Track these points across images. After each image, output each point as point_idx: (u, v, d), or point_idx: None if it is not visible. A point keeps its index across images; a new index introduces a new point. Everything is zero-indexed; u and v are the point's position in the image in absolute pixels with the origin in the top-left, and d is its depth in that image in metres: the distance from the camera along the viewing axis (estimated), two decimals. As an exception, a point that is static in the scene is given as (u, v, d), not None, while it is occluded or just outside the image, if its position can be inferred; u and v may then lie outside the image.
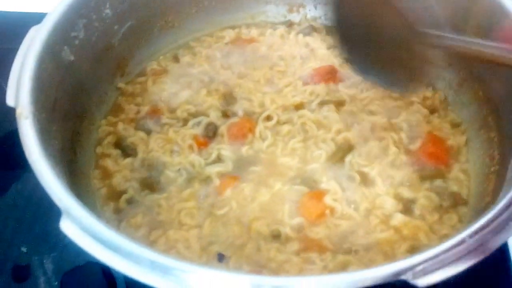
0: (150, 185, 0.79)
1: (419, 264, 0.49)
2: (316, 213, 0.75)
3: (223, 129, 0.84)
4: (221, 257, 0.71)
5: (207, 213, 0.75)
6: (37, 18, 0.76)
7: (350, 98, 0.89)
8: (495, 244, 0.52)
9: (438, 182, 0.79)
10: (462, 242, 0.52)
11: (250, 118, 0.86)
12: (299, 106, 0.88)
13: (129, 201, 0.78)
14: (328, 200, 0.76)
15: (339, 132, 0.85)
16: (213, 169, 0.80)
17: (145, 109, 0.89)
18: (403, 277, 0.49)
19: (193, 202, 0.76)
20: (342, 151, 0.82)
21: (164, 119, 0.87)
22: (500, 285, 0.80)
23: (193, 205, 0.76)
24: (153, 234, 0.74)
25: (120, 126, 0.87)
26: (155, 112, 0.88)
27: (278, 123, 0.85)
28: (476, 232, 0.53)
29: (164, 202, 0.77)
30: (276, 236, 0.73)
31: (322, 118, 0.86)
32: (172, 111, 0.88)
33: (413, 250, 0.70)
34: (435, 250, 0.51)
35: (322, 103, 0.88)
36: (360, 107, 0.89)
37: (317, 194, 0.76)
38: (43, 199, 0.58)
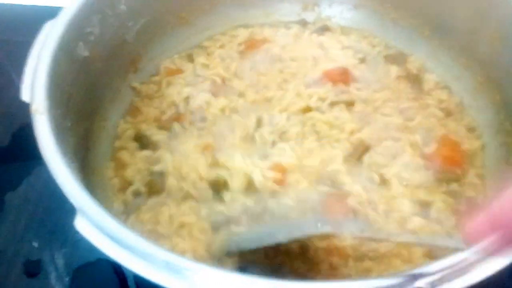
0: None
1: (437, 272, 0.49)
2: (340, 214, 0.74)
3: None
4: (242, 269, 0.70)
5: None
6: (50, 11, 0.75)
7: (362, 100, 0.88)
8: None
9: (454, 186, 0.78)
10: (481, 250, 0.51)
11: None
12: (307, 110, 0.86)
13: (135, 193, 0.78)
14: (351, 202, 0.75)
15: (352, 132, 0.84)
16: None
17: (165, 112, 0.88)
18: (420, 284, 0.48)
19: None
20: (360, 151, 0.81)
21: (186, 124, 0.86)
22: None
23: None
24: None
25: (142, 123, 0.87)
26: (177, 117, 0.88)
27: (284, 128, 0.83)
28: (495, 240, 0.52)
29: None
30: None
31: (333, 119, 0.85)
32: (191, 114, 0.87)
33: (430, 254, 0.69)
34: (454, 258, 0.50)
35: (332, 104, 0.87)
36: (372, 108, 0.88)
37: (341, 196, 0.75)
38: (55, 193, 0.58)
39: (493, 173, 0.80)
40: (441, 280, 0.48)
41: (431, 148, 0.82)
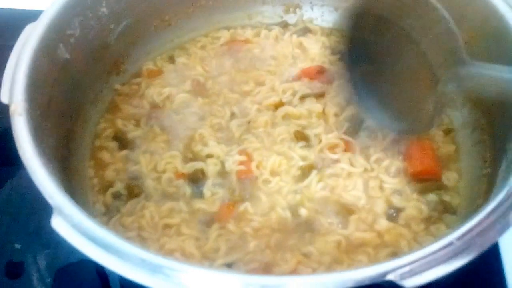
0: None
1: (407, 265, 0.50)
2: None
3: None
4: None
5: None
6: (33, 15, 0.76)
7: (334, 92, 0.90)
8: (482, 246, 0.53)
9: (431, 194, 0.79)
10: (449, 244, 0.52)
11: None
12: (279, 104, 0.89)
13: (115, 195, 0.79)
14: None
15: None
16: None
17: (144, 109, 0.90)
18: (390, 277, 0.49)
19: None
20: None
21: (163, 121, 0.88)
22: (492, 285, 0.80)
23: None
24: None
25: (120, 120, 0.88)
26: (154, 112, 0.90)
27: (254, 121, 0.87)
28: (464, 235, 0.53)
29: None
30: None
31: (304, 111, 0.88)
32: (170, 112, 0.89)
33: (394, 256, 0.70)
34: (423, 252, 0.51)
35: (303, 97, 0.90)
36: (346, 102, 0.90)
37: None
38: (37, 196, 0.59)
39: (469, 171, 0.81)
40: (410, 273, 0.49)
41: (408, 153, 0.83)
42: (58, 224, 0.54)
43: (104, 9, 0.85)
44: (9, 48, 0.72)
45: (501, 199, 0.56)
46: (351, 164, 0.82)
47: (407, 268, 0.49)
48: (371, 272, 0.50)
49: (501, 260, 0.80)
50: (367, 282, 0.49)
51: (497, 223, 0.54)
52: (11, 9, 1.16)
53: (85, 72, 0.85)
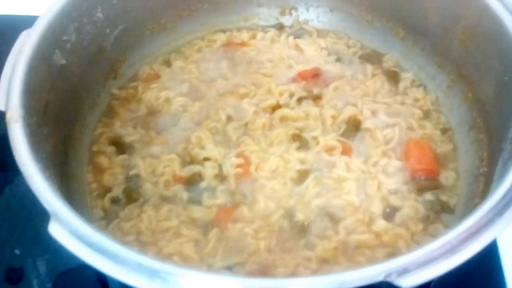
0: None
1: (403, 265, 0.50)
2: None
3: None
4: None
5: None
6: (28, 21, 0.76)
7: (331, 95, 0.91)
8: (479, 245, 0.53)
9: (428, 193, 0.79)
10: (446, 243, 0.52)
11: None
12: (276, 107, 0.89)
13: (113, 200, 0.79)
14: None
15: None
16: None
17: (141, 113, 0.90)
18: (387, 278, 0.49)
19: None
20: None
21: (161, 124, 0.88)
22: (491, 284, 0.80)
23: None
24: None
25: (117, 124, 0.89)
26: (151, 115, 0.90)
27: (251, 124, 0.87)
28: (460, 234, 0.53)
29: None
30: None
31: (301, 113, 0.89)
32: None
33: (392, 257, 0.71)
34: (419, 251, 0.51)
35: (300, 99, 0.90)
36: (343, 103, 0.90)
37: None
38: (36, 201, 0.59)
39: (466, 170, 0.82)
40: (407, 273, 0.50)
41: (406, 153, 0.83)
42: (55, 230, 0.55)
43: (99, 14, 0.85)
44: (4, 54, 0.72)
45: (497, 198, 0.56)
46: (348, 167, 0.82)
47: (403, 268, 0.50)
48: (368, 272, 0.50)
49: (500, 260, 0.80)
50: (364, 283, 0.49)
51: (494, 221, 0.54)
52: (4, 15, 1.16)
53: (82, 77, 0.85)
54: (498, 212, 0.55)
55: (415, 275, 0.50)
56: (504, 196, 0.56)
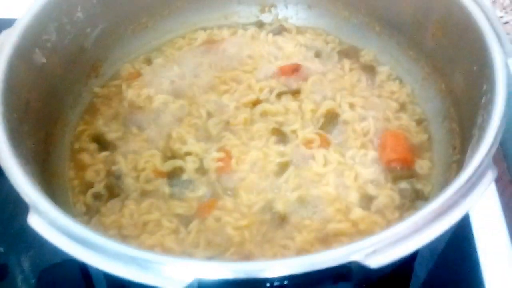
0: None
1: (371, 245, 0.52)
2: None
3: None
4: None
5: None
6: (7, 24, 0.77)
7: (310, 89, 0.93)
8: (443, 225, 0.55)
9: (403, 181, 0.81)
10: (412, 224, 0.54)
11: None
12: (257, 102, 0.91)
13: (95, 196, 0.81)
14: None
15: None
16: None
17: (123, 110, 0.92)
18: (355, 258, 0.51)
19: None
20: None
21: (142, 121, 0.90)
22: (465, 265, 0.82)
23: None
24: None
25: (99, 122, 0.90)
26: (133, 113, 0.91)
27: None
28: (426, 216, 0.55)
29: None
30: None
31: (280, 107, 0.90)
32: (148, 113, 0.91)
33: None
34: (387, 232, 0.53)
35: (280, 94, 0.92)
36: (322, 97, 0.92)
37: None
38: (19, 198, 0.60)
39: (440, 159, 0.84)
40: (375, 252, 0.51)
41: (382, 143, 0.86)
42: (34, 221, 0.56)
43: (79, 14, 0.87)
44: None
45: (461, 183, 0.58)
46: (326, 159, 0.84)
47: (371, 249, 0.51)
48: (337, 254, 0.51)
49: (474, 240, 0.82)
50: (333, 264, 0.51)
51: (459, 203, 0.56)
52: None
53: (63, 76, 0.86)
54: (462, 195, 0.57)
55: (383, 254, 0.52)
56: (468, 180, 0.58)
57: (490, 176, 0.58)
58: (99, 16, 0.91)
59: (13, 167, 0.60)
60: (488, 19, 0.74)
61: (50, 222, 0.56)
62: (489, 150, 0.61)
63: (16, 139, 0.67)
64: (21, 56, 0.75)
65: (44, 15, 0.80)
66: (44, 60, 0.80)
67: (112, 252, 0.54)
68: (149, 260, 0.53)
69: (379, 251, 0.52)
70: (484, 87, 0.70)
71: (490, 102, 0.66)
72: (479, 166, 0.59)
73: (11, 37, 0.75)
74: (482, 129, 0.65)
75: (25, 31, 0.77)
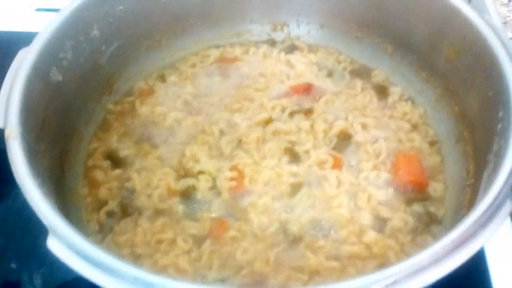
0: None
1: (391, 276, 0.52)
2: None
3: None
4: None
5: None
6: (25, 37, 0.78)
7: (322, 109, 0.93)
8: (465, 255, 0.55)
9: (416, 204, 0.81)
10: (433, 254, 0.54)
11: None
12: (269, 121, 0.92)
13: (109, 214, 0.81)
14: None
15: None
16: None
17: (136, 127, 0.92)
18: (376, 288, 0.51)
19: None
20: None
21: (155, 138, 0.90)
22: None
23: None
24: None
25: (113, 138, 0.90)
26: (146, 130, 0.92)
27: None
28: (447, 244, 0.55)
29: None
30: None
31: (293, 127, 0.91)
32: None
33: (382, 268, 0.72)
34: (406, 262, 0.53)
35: (292, 113, 0.92)
36: (334, 117, 0.92)
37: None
38: (33, 215, 0.60)
39: (454, 182, 0.84)
40: (395, 283, 0.51)
41: (395, 166, 0.86)
42: (53, 245, 0.56)
43: (95, 32, 0.87)
44: (1, 68, 0.74)
45: (481, 211, 0.58)
46: (339, 180, 0.84)
47: (391, 279, 0.51)
48: (357, 284, 0.51)
49: (488, 271, 0.82)
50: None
51: (478, 233, 0.56)
52: (4, 32, 1.17)
53: (78, 93, 0.87)
54: (482, 225, 0.57)
55: (403, 285, 0.51)
56: (487, 209, 0.58)
57: (509, 206, 0.58)
58: (114, 34, 0.91)
59: (33, 190, 0.60)
60: (504, 45, 0.74)
61: (69, 246, 0.56)
62: (507, 179, 0.61)
63: (33, 158, 0.67)
64: (39, 74, 0.76)
65: (61, 34, 0.81)
66: (60, 78, 0.81)
67: (130, 277, 0.54)
68: (164, 286, 0.53)
69: (399, 281, 0.52)
70: (500, 114, 0.70)
71: (507, 130, 0.66)
72: (498, 195, 0.59)
73: (29, 55, 0.76)
74: (500, 156, 0.65)
75: (42, 49, 0.77)
